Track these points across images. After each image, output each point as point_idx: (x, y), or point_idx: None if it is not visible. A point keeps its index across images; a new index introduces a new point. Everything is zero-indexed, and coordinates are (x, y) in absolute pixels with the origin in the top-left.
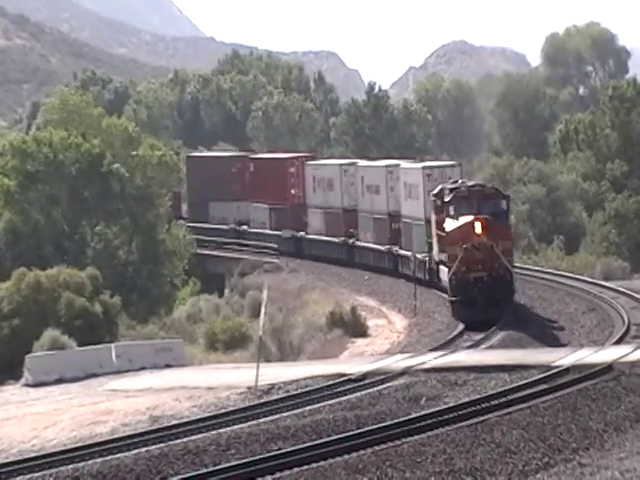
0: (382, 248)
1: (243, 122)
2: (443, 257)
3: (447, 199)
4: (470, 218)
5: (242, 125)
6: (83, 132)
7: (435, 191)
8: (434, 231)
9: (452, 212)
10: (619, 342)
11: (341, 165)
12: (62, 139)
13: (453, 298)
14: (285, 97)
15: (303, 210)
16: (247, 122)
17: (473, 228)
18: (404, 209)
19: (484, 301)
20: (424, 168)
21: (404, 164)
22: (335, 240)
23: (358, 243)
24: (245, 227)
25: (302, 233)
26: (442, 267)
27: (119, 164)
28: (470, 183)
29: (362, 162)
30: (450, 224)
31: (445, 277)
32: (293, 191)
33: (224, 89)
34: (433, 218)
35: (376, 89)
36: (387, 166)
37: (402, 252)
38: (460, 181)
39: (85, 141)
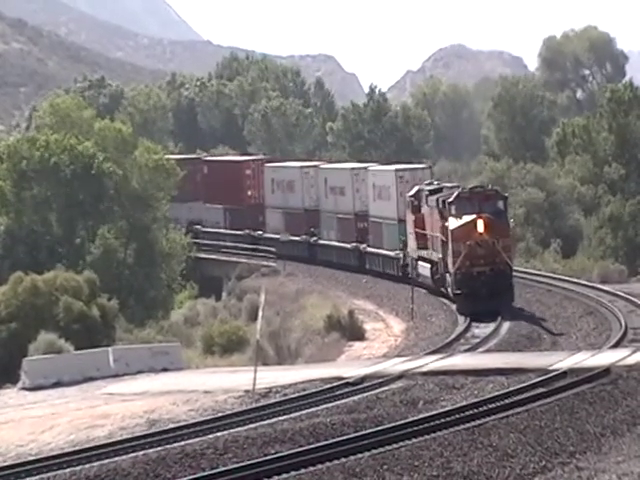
0: (348, 246)
1: (242, 125)
2: (425, 254)
3: (450, 199)
4: (473, 217)
5: (241, 128)
6: (76, 135)
7: (412, 192)
8: (411, 229)
9: (455, 212)
10: (616, 346)
11: (301, 167)
12: (56, 141)
13: (457, 291)
14: (284, 100)
15: (260, 210)
16: (245, 125)
17: (476, 226)
18: (373, 209)
19: (486, 294)
20: (396, 170)
21: (373, 167)
22: (296, 238)
23: (321, 241)
24: (198, 226)
25: (259, 232)
26: (422, 263)
27: (113, 165)
28: (449, 185)
29: (325, 165)
30: (453, 223)
31: (426, 272)
32: (249, 192)
33: (223, 92)
34: (410, 217)
35: (376, 93)
36: (353, 168)
37: (370, 250)
38: (436, 182)
39: (79, 143)
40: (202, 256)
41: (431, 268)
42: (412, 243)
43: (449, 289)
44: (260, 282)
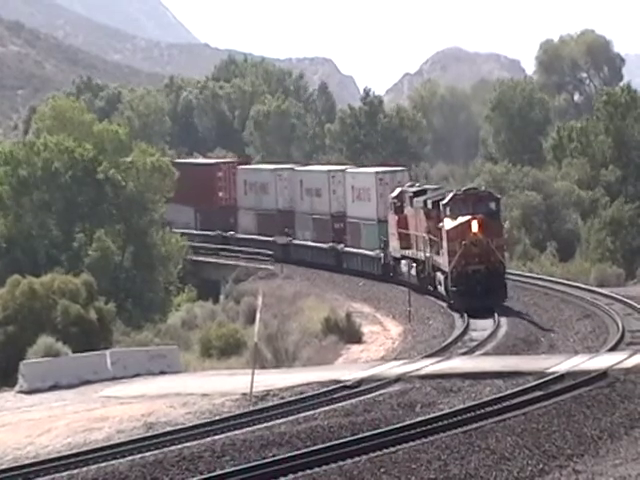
0: (325, 246)
1: (240, 128)
2: (409, 253)
3: (445, 201)
4: (467, 218)
5: (238, 131)
6: (75, 138)
7: (394, 194)
8: (394, 230)
9: (449, 212)
10: (614, 349)
11: (274, 170)
12: (56, 144)
13: (453, 289)
14: (280, 103)
15: (232, 212)
16: (242, 128)
17: (470, 226)
18: (351, 210)
19: (481, 291)
20: (377, 173)
21: (351, 169)
22: (270, 239)
23: (295, 241)
24: (167, 228)
25: (231, 232)
26: (405, 262)
27: (113, 170)
28: (432, 187)
29: (300, 167)
30: (449, 223)
31: (411, 271)
32: (221, 194)
33: (221, 95)
34: (393, 218)
35: (371, 95)
36: (329, 171)
37: (348, 250)
38: (417, 184)
39: (78, 146)
40: (200, 259)
41: (417, 267)
42: (394, 243)
43: (439, 287)
44: (258, 285)
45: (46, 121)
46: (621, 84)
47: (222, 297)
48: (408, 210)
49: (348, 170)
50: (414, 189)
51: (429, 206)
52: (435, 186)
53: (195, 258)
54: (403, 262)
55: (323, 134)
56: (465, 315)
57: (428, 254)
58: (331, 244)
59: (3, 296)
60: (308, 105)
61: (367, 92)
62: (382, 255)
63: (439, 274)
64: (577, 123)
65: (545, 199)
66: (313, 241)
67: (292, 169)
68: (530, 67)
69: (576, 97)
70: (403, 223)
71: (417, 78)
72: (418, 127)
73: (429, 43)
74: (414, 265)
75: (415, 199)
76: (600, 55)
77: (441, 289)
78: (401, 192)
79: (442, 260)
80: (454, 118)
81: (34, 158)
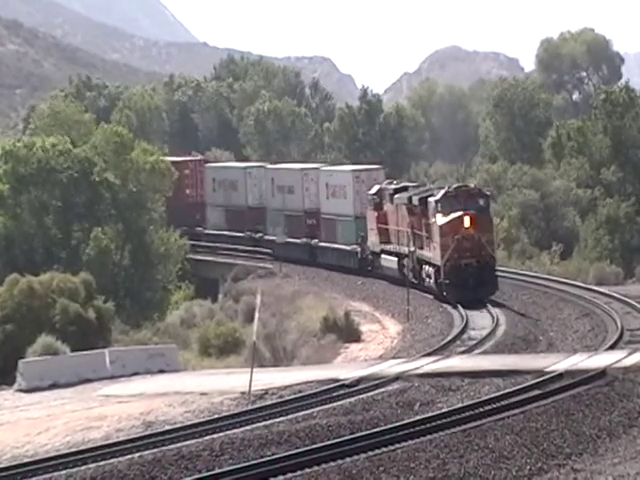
0: (297, 241)
1: (239, 128)
2: (390, 247)
3: (438, 197)
4: (459, 213)
5: (236, 130)
6: (73, 139)
7: (373, 191)
8: (373, 225)
9: (441, 209)
10: (612, 347)
11: (244, 168)
12: (53, 145)
13: (446, 281)
14: (279, 102)
15: (199, 208)
16: (240, 127)
17: (462, 222)
18: (325, 207)
19: (473, 284)
20: (353, 171)
21: (326, 167)
22: (239, 234)
23: (266, 237)
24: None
25: (200, 228)
26: (386, 256)
27: (110, 171)
28: (412, 184)
29: (271, 166)
30: (441, 219)
31: (392, 265)
32: (188, 191)
33: (220, 94)
34: (372, 214)
35: (369, 94)
36: (302, 169)
37: (323, 244)
38: (395, 182)
39: (75, 147)
40: (198, 258)
41: (399, 261)
42: (373, 238)
43: (428, 280)
44: (256, 284)
45: (44, 120)
46: (619, 83)
47: (221, 296)
48: (388, 206)
49: (322, 168)
50: (394, 186)
51: (415, 202)
52: (415, 184)
53: (193, 257)
54: (383, 256)
55: (322, 133)
56: (465, 315)
57: (412, 248)
58: (304, 239)
59: (2, 295)
60: (302, 103)
61: (365, 91)
62: (359, 249)
63: (428, 267)
64: (576, 122)
65: (543, 198)
66: (286, 236)
67: (263, 167)
68: (529, 66)
69: (575, 96)
70: (383, 219)
71: (416, 77)
72: (417, 126)
73: (428, 42)
74: (395, 259)
75: (396, 196)
76: (600, 54)
77: (430, 282)
78: (380, 189)
79: (432, 254)
80: (452, 117)
81: (32, 157)
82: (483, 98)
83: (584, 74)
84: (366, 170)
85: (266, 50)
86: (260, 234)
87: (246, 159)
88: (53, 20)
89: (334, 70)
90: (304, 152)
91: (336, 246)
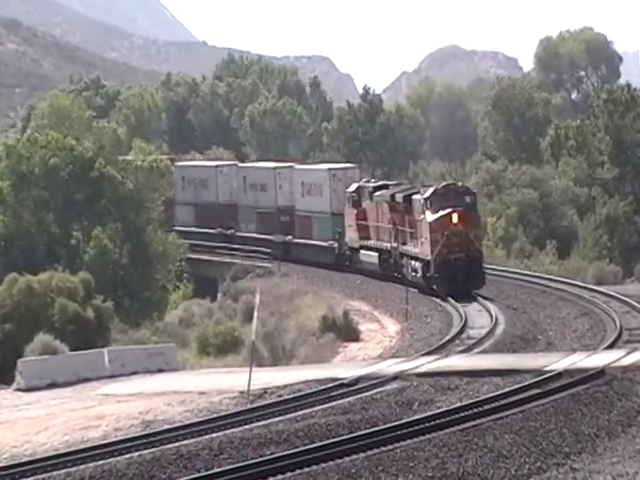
0: (272, 237)
1: (238, 127)
2: (371, 243)
3: (427, 195)
4: (448, 210)
5: (235, 129)
6: (75, 135)
7: (352, 189)
8: (352, 222)
9: (430, 206)
10: (611, 347)
11: (216, 166)
12: (56, 141)
13: (436, 275)
14: (277, 101)
15: (168, 206)
16: (239, 126)
17: (451, 218)
18: (300, 204)
19: (462, 277)
20: (330, 169)
21: (300, 166)
22: (210, 231)
23: (238, 233)
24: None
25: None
26: (365, 252)
27: (109, 167)
28: (391, 182)
29: (243, 164)
30: (430, 216)
31: (373, 260)
32: None
33: (219, 93)
34: (351, 211)
35: (371, 94)
36: (275, 167)
37: (298, 241)
38: (373, 180)
39: (78, 144)
40: (197, 257)
41: (380, 256)
42: (352, 234)
43: (414, 274)
44: (255, 283)
45: (45, 119)
46: (619, 82)
47: (220, 295)
48: (367, 204)
49: (297, 167)
50: (373, 184)
51: (398, 200)
52: (395, 182)
53: (192, 256)
54: (362, 252)
55: (320, 132)
56: (464, 315)
57: (394, 244)
58: (279, 235)
59: (1, 294)
60: (301, 102)
61: (367, 90)
62: (336, 245)
63: (414, 262)
64: (575, 121)
65: (542, 197)
66: (258, 233)
67: (235, 165)
68: (528, 65)
69: (574, 95)
70: (362, 216)
71: (415, 76)
72: (416, 125)
73: (427, 41)
74: (376, 254)
75: (376, 193)
76: (599, 53)
77: (416, 276)
78: (359, 187)
79: (420, 249)
80: (451, 116)
81: (34, 154)
82: (482, 97)
83: (583, 73)
84: (342, 169)
85: (265, 49)
86: (232, 230)
87: (245, 158)
88: (52, 19)
89: (333, 69)
90: (303, 151)
91: (312, 242)
